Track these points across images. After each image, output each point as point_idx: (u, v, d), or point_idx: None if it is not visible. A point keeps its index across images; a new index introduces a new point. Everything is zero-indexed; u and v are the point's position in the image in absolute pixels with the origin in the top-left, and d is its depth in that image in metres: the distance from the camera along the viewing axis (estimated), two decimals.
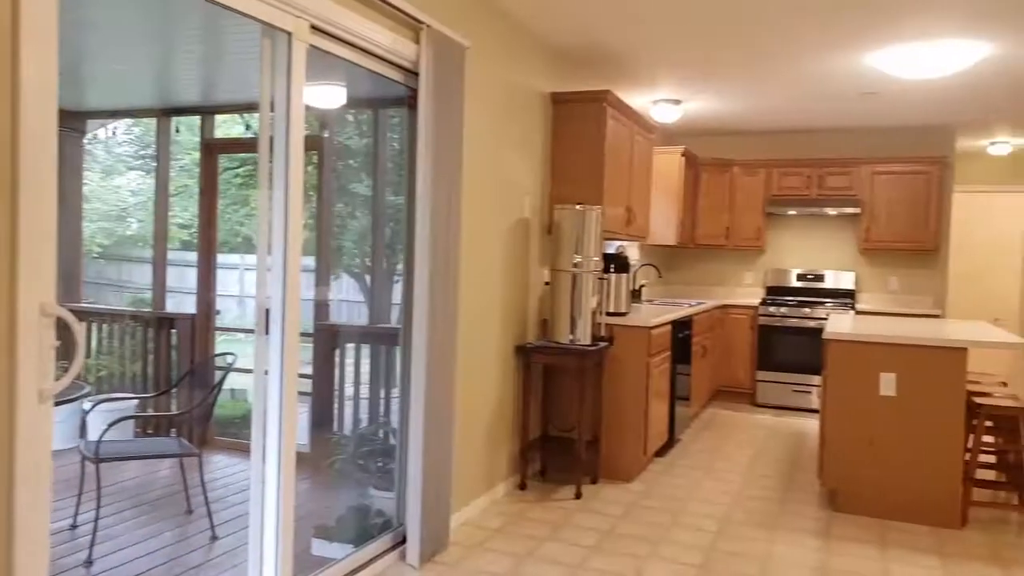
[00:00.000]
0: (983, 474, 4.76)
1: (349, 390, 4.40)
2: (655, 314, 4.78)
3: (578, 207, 4.19)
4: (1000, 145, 7.29)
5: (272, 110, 2.56)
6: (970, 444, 3.92)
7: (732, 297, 7.45)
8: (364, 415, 4.28)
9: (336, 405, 4.59)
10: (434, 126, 3.13)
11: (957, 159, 7.75)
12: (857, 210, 6.75)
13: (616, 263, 4.68)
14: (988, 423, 4.31)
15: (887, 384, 3.89)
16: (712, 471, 4.72)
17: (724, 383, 6.98)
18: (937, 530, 3.76)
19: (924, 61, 4.42)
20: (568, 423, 4.54)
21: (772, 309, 6.81)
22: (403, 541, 3.28)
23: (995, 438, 4.29)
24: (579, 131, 4.56)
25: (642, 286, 6.39)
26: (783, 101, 5.90)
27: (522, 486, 4.23)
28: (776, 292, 7.29)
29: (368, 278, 5.46)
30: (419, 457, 3.18)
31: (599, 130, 4.51)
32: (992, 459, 4.83)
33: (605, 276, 4.52)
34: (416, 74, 3.17)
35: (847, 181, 6.84)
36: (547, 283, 4.59)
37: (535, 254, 4.46)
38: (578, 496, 4.11)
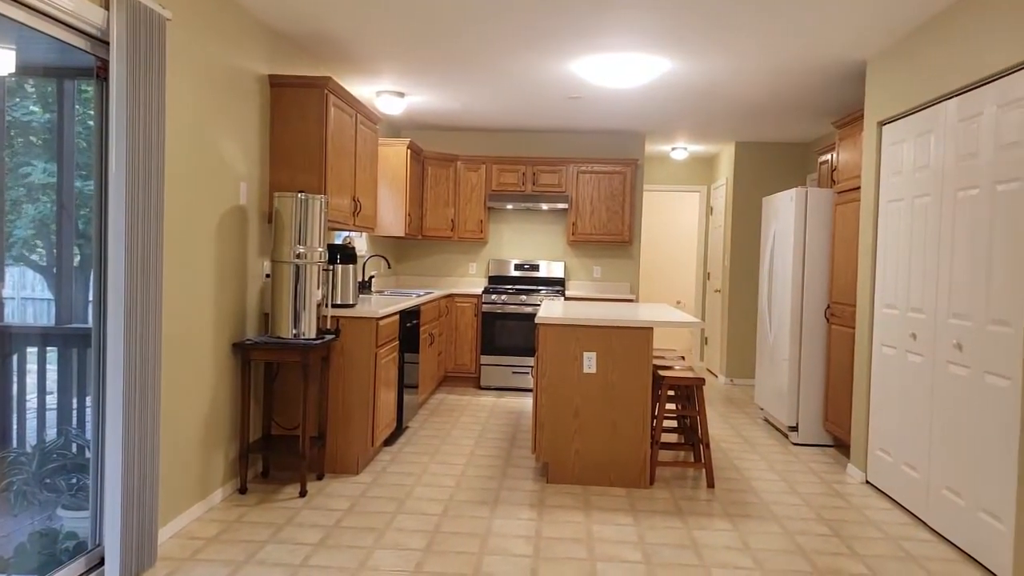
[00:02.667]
0: (667, 438, 5.48)
1: (33, 400, 3.83)
2: (384, 305, 4.81)
3: (300, 195, 4.06)
4: (679, 150, 8.40)
5: None
6: (656, 412, 4.48)
7: (458, 286, 7.74)
8: (52, 428, 3.76)
9: (15, 418, 3.97)
10: (129, 102, 2.83)
11: (646, 161, 8.80)
12: (565, 206, 7.36)
13: (343, 254, 4.62)
14: (670, 392, 4.97)
15: (589, 362, 4.31)
16: (438, 455, 4.87)
17: (451, 369, 7.24)
18: (631, 491, 4.26)
19: (616, 71, 4.94)
20: (293, 420, 4.40)
21: (494, 297, 7.18)
22: (101, 563, 2.95)
23: (676, 405, 4.95)
24: (300, 117, 4.41)
25: (372, 277, 6.39)
26: (500, 100, 6.24)
27: (242, 490, 4.01)
28: (497, 281, 7.71)
29: (55, 272, 4.80)
30: (118, 469, 2.87)
31: (320, 117, 4.40)
32: (674, 423, 5.58)
33: (330, 267, 4.44)
34: (107, 43, 2.85)
35: (557, 179, 7.44)
36: (268, 275, 4.40)
37: (254, 244, 4.24)
38: (303, 494, 4.01)
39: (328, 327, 4.30)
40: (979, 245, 3.40)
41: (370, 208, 5.46)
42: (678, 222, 10.29)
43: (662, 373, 4.47)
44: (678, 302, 10.38)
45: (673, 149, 8.41)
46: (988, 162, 3.36)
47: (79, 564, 2.93)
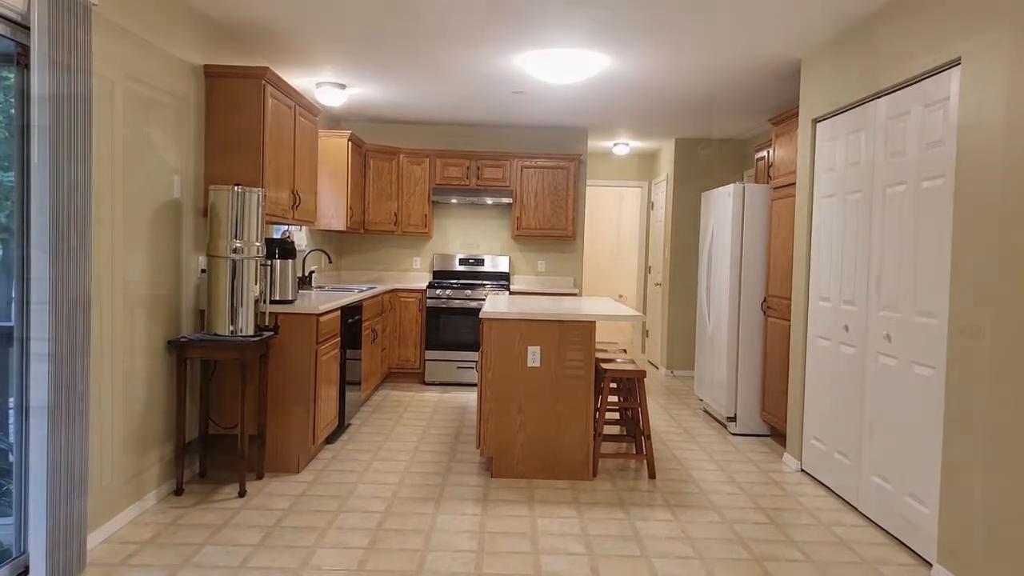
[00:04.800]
0: (610, 430, 5.53)
1: None
2: (324, 301, 4.73)
3: (236, 188, 3.95)
4: (621, 146, 8.49)
5: None
6: (599, 404, 4.53)
7: (402, 281, 7.67)
8: None
9: None
10: (52, 90, 2.71)
11: (589, 157, 8.85)
12: (510, 200, 7.37)
13: (281, 248, 4.52)
14: (612, 385, 5.02)
15: (533, 356, 4.32)
16: (381, 452, 4.82)
17: (395, 364, 7.17)
18: (574, 483, 4.29)
19: (559, 66, 4.95)
20: (232, 419, 4.29)
21: (438, 292, 7.14)
22: (27, 571, 2.83)
23: (618, 397, 5.00)
24: (236, 108, 4.29)
25: (312, 272, 6.27)
26: (444, 93, 6.19)
27: (178, 491, 3.90)
28: (442, 276, 7.67)
29: None
30: (43, 472, 2.75)
31: (258, 108, 4.29)
32: (616, 416, 5.64)
33: (268, 262, 4.34)
34: (27, 28, 2.72)
35: (501, 173, 7.43)
36: (204, 271, 4.28)
37: (189, 239, 4.12)
38: (242, 494, 3.92)
39: (267, 324, 4.20)
40: (906, 240, 3.53)
41: (310, 201, 5.36)
42: (620, 217, 10.40)
43: (604, 366, 4.51)
44: (620, 296, 10.51)
45: (615, 145, 8.49)
46: (914, 159, 3.48)
47: (3, 572, 2.80)
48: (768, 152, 5.85)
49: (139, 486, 3.63)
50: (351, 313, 5.31)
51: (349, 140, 6.54)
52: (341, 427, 5.20)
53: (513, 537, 3.46)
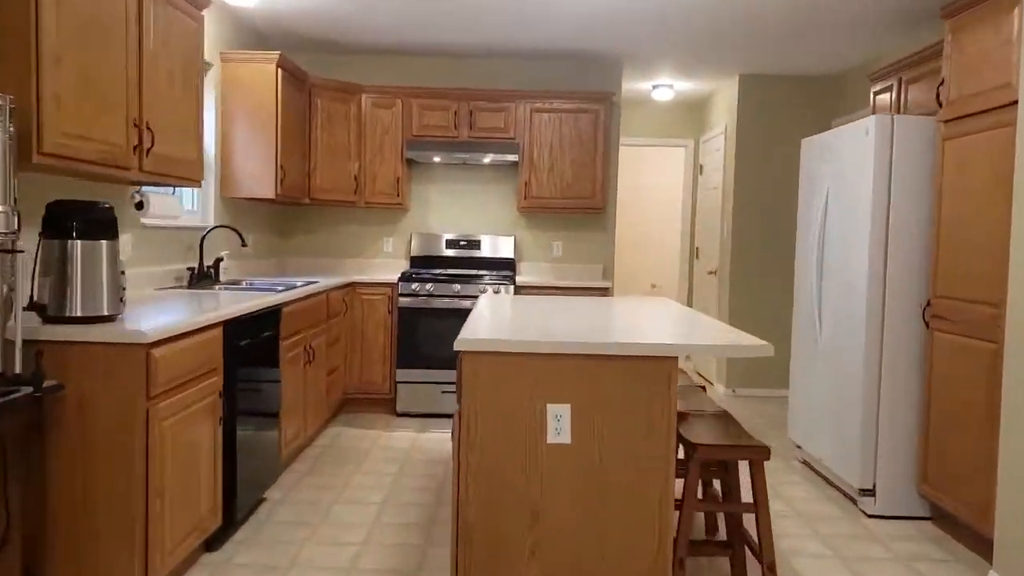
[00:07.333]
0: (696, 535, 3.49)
1: None
2: (210, 307, 2.70)
3: None
4: (663, 89, 6.38)
5: None
6: (682, 508, 2.49)
7: (366, 272, 5.64)
8: None
9: None
10: None
11: (623, 105, 6.78)
12: (515, 158, 5.29)
13: (83, 220, 2.45)
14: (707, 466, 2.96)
15: (558, 423, 2.28)
16: (297, 565, 2.80)
17: (354, 389, 5.14)
18: None
19: None
20: None
21: (416, 286, 5.09)
22: None
23: (706, 484, 2.95)
24: None
25: (219, 259, 4.24)
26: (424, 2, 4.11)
27: None
28: (422, 264, 5.62)
29: None
30: None
31: None
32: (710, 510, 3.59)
33: (21, 250, 2.30)
34: None
35: (502, 120, 5.35)
36: None
37: None
38: None
39: (36, 367, 2.15)
40: None
41: (180, 145, 3.29)
42: (655, 185, 8.31)
43: (691, 439, 2.47)
44: (653, 286, 8.44)
45: (655, 87, 6.39)
46: None
47: None
48: (902, 79, 3.77)
49: None
50: (263, 326, 3.28)
51: (279, 67, 4.48)
52: (229, 521, 3.14)
53: None
